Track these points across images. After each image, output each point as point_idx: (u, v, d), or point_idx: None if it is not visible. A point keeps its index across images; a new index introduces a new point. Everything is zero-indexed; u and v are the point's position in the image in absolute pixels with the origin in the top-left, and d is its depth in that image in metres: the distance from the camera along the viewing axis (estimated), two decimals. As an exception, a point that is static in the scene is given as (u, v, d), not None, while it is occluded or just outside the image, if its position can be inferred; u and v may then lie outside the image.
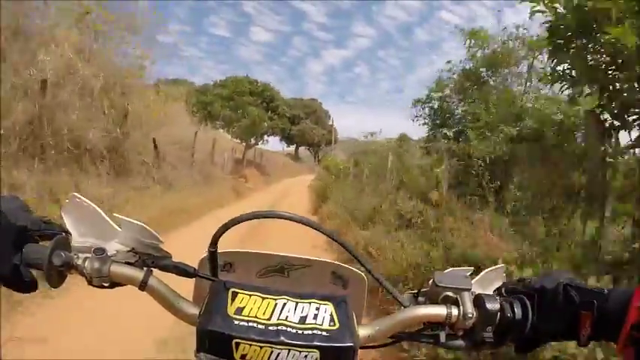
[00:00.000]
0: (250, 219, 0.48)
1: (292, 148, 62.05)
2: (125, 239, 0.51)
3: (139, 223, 0.50)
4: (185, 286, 0.56)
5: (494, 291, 0.56)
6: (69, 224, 0.51)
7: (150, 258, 0.51)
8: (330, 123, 62.18)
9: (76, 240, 0.50)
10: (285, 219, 0.49)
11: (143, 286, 0.49)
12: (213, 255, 0.51)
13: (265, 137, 30.49)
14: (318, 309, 0.46)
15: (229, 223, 0.49)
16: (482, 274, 0.58)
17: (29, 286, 0.49)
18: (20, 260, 0.47)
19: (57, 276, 0.48)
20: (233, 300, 0.45)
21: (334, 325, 0.45)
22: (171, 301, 0.50)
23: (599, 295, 0.48)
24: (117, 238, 0.51)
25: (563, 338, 0.52)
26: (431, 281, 0.54)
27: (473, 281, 0.55)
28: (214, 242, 0.50)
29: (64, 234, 0.50)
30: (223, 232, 0.49)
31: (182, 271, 0.51)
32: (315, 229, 0.51)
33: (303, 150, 64.41)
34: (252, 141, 26.63)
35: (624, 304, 0.46)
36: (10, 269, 0.46)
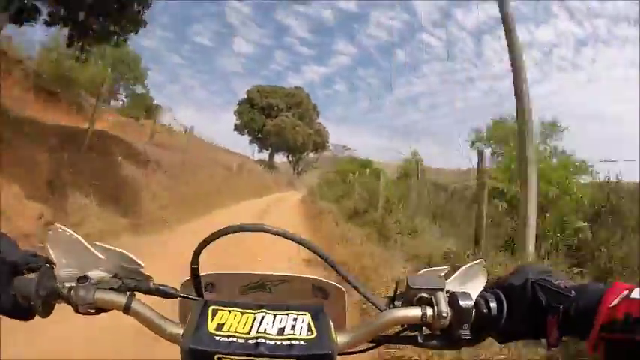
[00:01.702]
0: (231, 233, 0.50)
1: (265, 154, 45.89)
2: (108, 266, 0.54)
3: (119, 250, 0.53)
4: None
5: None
6: (54, 255, 0.53)
7: (132, 282, 0.53)
8: (319, 121, 47.29)
9: (62, 270, 0.53)
10: (265, 232, 0.51)
11: (127, 309, 0.52)
12: (195, 273, 0.53)
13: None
14: (295, 319, 0.48)
15: (209, 238, 0.51)
16: (459, 271, 0.58)
17: (28, 314, 0.52)
18: (16, 292, 0.50)
19: (45, 306, 0.51)
20: (214, 317, 0.48)
21: (311, 334, 0.46)
22: (154, 323, 0.51)
23: (566, 298, 0.48)
24: (100, 266, 0.53)
25: (532, 337, 0.52)
26: (405, 284, 0.55)
27: (449, 280, 0.56)
28: (195, 260, 0.52)
29: (48, 265, 0.53)
30: (203, 248, 0.51)
31: (164, 293, 0.54)
32: (297, 242, 0.52)
33: (279, 159, 48.40)
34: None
35: (594, 303, 0.46)
36: (10, 301, 0.50)
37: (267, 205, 13.51)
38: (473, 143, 13.49)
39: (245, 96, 43.60)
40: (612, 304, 0.44)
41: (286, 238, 0.52)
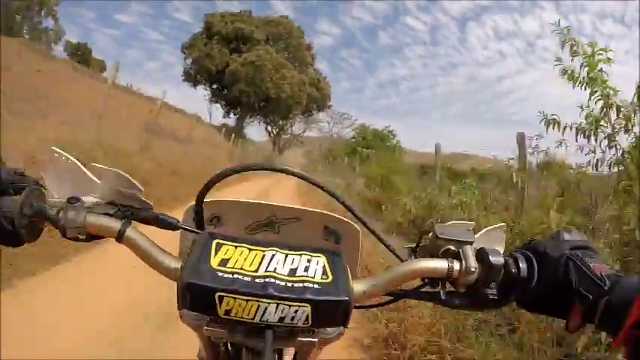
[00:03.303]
0: (239, 172, 0.48)
1: (228, 118, 30.22)
2: (104, 191, 0.49)
3: (117, 171, 0.48)
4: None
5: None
6: (48, 180, 0.50)
7: (130, 209, 0.49)
8: (315, 66, 31.57)
9: (54, 195, 0.49)
10: (277, 171, 0.50)
11: (120, 237, 0.47)
12: (199, 208, 0.50)
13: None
14: (309, 261, 0.44)
15: (218, 177, 0.48)
16: (483, 230, 0.56)
17: (13, 239, 0.46)
18: None
19: (30, 228, 0.47)
20: (217, 251, 0.43)
21: (327, 278, 0.42)
22: (150, 254, 0.46)
23: (598, 289, 0.45)
24: (96, 192, 0.49)
25: (554, 315, 0.50)
26: (431, 234, 0.52)
27: (475, 236, 0.53)
28: (202, 196, 0.50)
29: (38, 187, 0.49)
30: (211, 187, 0.48)
31: (164, 222, 0.50)
32: (307, 180, 0.51)
33: (256, 135, 32.93)
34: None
35: (628, 298, 0.43)
36: None
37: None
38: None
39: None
40: None
41: (310, 182, 0.50)
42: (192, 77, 27.61)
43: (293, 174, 0.49)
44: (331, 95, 31.50)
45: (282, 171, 0.49)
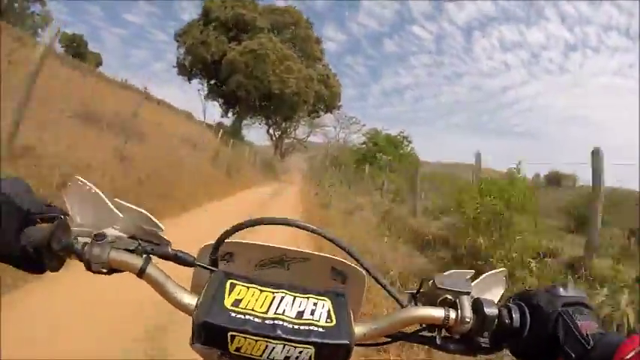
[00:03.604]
0: (265, 224, 0.52)
1: (224, 117, 27.00)
2: (126, 225, 0.52)
3: (140, 210, 0.52)
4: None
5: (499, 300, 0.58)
6: (70, 208, 0.52)
7: (150, 245, 0.52)
8: (325, 62, 28.39)
9: (77, 224, 0.52)
10: (296, 227, 0.52)
11: (141, 273, 0.50)
12: (217, 249, 0.54)
13: None
14: (315, 304, 0.48)
15: (242, 225, 0.52)
16: (482, 277, 0.58)
17: (37, 267, 0.50)
18: (26, 242, 0.48)
19: (56, 260, 0.50)
20: (231, 291, 0.47)
21: (331, 322, 0.46)
22: (168, 290, 0.50)
23: (582, 348, 0.48)
24: (117, 224, 0.52)
25: None
26: (431, 282, 0.55)
27: (473, 284, 0.56)
28: (222, 239, 0.53)
29: (64, 217, 0.51)
30: (233, 233, 0.52)
31: (181, 259, 0.53)
32: (318, 233, 0.53)
33: (258, 139, 29.90)
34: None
35: (608, 354, 0.46)
36: (19, 251, 0.48)
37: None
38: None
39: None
40: (626, 357, 0.45)
41: (315, 233, 0.53)
42: (185, 69, 24.67)
43: (308, 230, 0.53)
44: (341, 94, 28.44)
45: (298, 227, 0.52)
